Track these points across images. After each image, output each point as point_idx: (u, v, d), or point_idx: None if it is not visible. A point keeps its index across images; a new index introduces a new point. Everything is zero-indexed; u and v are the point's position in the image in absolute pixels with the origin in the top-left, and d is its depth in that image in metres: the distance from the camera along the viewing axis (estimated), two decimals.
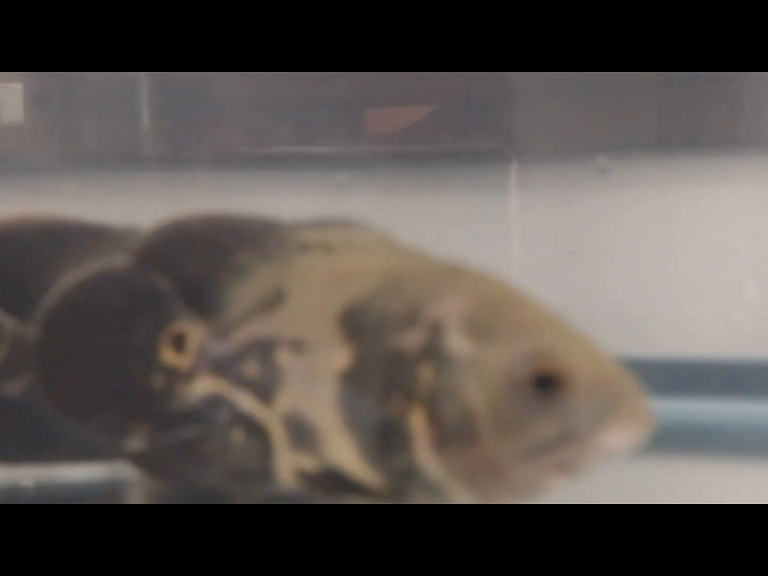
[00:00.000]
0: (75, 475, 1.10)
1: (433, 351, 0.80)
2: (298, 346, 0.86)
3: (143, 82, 1.50)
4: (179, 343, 0.91)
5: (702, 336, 1.43)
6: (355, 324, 0.84)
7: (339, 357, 0.84)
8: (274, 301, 0.89)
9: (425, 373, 0.80)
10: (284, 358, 0.87)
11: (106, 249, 0.93)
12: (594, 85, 1.39)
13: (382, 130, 1.52)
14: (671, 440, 0.89)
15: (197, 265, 0.90)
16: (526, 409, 0.77)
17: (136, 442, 0.91)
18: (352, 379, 0.83)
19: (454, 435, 0.79)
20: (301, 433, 0.86)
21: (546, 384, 0.77)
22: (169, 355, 0.91)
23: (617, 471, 0.81)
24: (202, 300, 0.91)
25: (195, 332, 0.91)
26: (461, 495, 0.80)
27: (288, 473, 0.88)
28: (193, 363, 0.91)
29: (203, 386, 0.91)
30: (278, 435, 0.87)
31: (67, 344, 0.92)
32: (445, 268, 0.86)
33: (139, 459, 0.92)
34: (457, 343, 0.80)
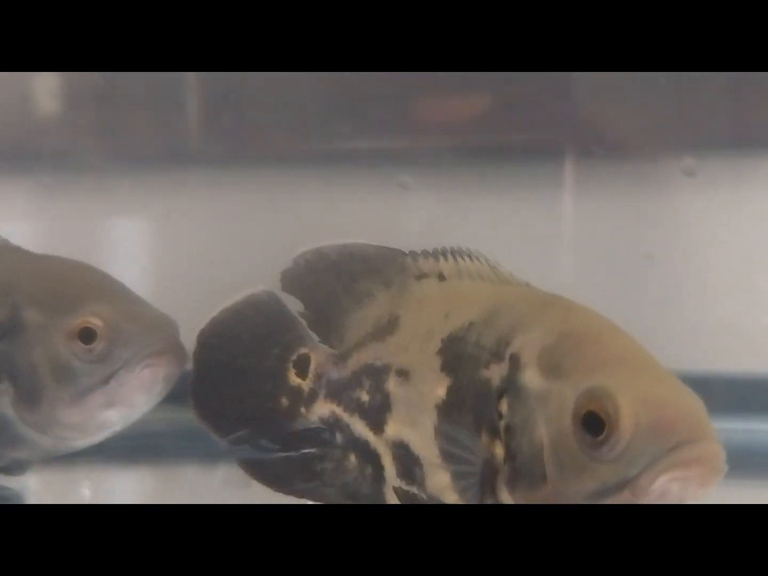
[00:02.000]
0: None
1: (512, 385, 0.79)
2: (405, 373, 0.88)
3: (195, 79, 1.46)
4: (303, 366, 0.96)
5: None
6: (454, 354, 0.84)
7: (438, 386, 0.84)
8: (387, 327, 0.91)
9: (505, 408, 0.79)
10: (392, 385, 0.88)
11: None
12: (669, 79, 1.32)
13: (437, 124, 1.45)
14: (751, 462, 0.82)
15: (326, 291, 0.96)
16: (584, 450, 0.74)
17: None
18: (448, 410, 0.83)
19: (525, 472, 0.77)
20: (407, 463, 0.87)
21: (595, 426, 0.73)
22: (294, 378, 0.96)
23: None
24: (328, 325, 0.96)
25: (316, 356, 0.96)
26: None
27: (396, 501, 0.89)
28: (313, 386, 0.95)
29: (322, 409, 0.95)
30: (388, 463, 0.89)
31: (213, 362, 0.98)
32: (538, 300, 0.85)
33: (254, 467, 0.97)
34: (531, 378, 0.78)
